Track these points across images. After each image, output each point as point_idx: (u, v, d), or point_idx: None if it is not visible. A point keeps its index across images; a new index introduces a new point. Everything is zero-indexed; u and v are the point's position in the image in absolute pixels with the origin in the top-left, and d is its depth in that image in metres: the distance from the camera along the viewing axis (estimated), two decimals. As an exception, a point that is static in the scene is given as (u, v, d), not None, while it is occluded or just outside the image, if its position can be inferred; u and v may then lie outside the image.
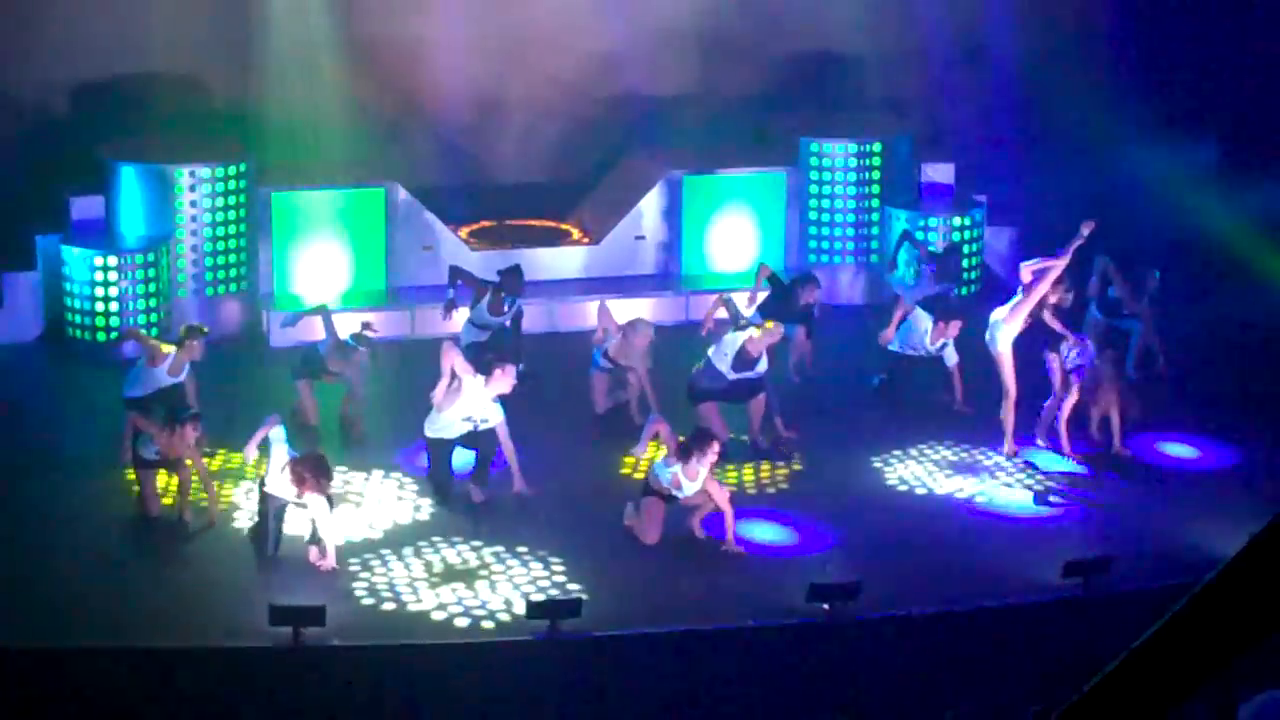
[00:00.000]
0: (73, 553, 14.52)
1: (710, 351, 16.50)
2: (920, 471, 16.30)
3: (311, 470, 14.12)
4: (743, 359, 16.25)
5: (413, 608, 13.75)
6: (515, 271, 18.07)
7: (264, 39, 21.06)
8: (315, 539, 14.21)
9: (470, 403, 15.26)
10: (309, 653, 13.13)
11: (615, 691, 13.04)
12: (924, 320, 17.42)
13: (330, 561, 14.14)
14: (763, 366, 16.35)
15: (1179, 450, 16.99)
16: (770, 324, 16.61)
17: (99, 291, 18.92)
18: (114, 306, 18.86)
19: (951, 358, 17.37)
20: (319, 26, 21.19)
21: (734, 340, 16.33)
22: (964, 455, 16.62)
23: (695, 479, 14.53)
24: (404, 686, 12.99)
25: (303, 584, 13.95)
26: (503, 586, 14.03)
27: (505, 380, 15.35)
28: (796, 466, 16.36)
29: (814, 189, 21.27)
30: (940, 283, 18.90)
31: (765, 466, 16.32)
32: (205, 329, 16.35)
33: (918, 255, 19.16)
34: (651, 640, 13.43)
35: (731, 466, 15.99)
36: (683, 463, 14.52)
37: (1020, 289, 16.62)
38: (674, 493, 14.62)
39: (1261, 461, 16.58)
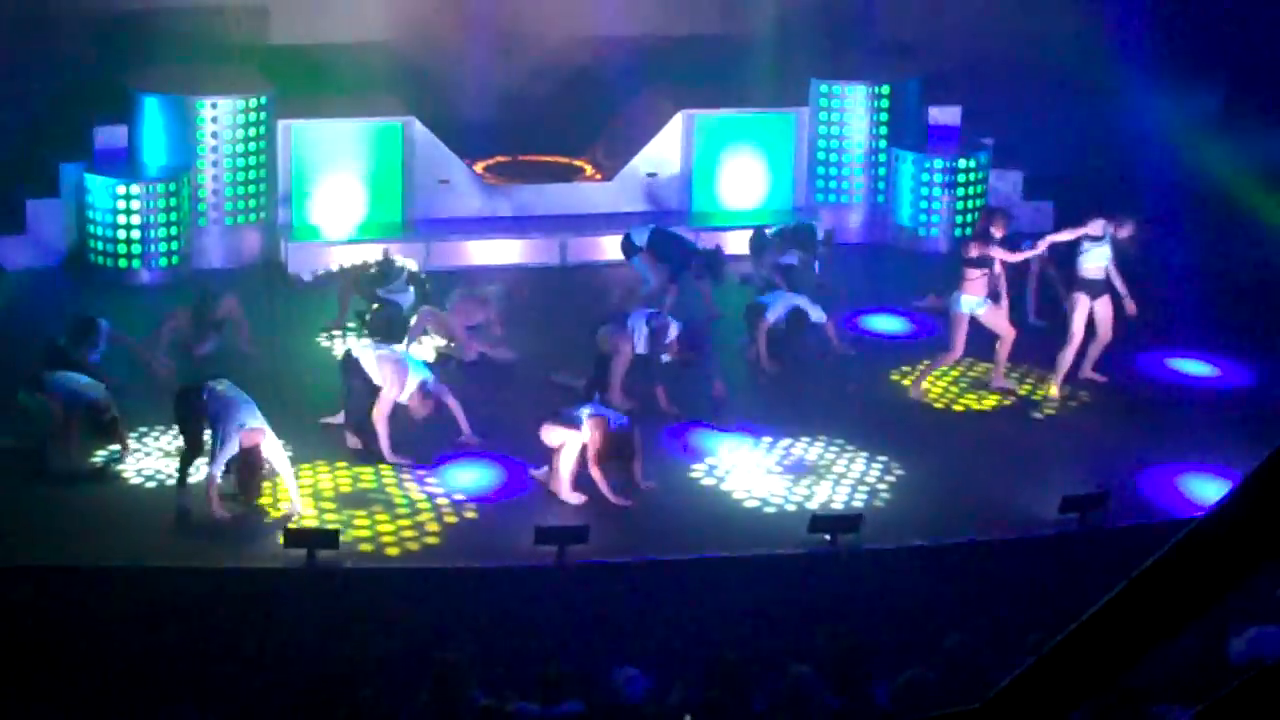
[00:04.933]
0: (94, 476, 14.61)
1: None
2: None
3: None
4: None
5: (423, 533, 13.80)
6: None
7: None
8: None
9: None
10: (322, 574, 13.17)
11: (621, 616, 13.06)
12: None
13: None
14: None
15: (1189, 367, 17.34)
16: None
17: (120, 219, 18.92)
18: (135, 234, 18.86)
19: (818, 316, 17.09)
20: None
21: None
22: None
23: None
24: (415, 608, 13.01)
25: (320, 510, 13.99)
26: (514, 514, 14.07)
27: None
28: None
29: (823, 130, 21.20)
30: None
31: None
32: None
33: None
34: (657, 567, 13.44)
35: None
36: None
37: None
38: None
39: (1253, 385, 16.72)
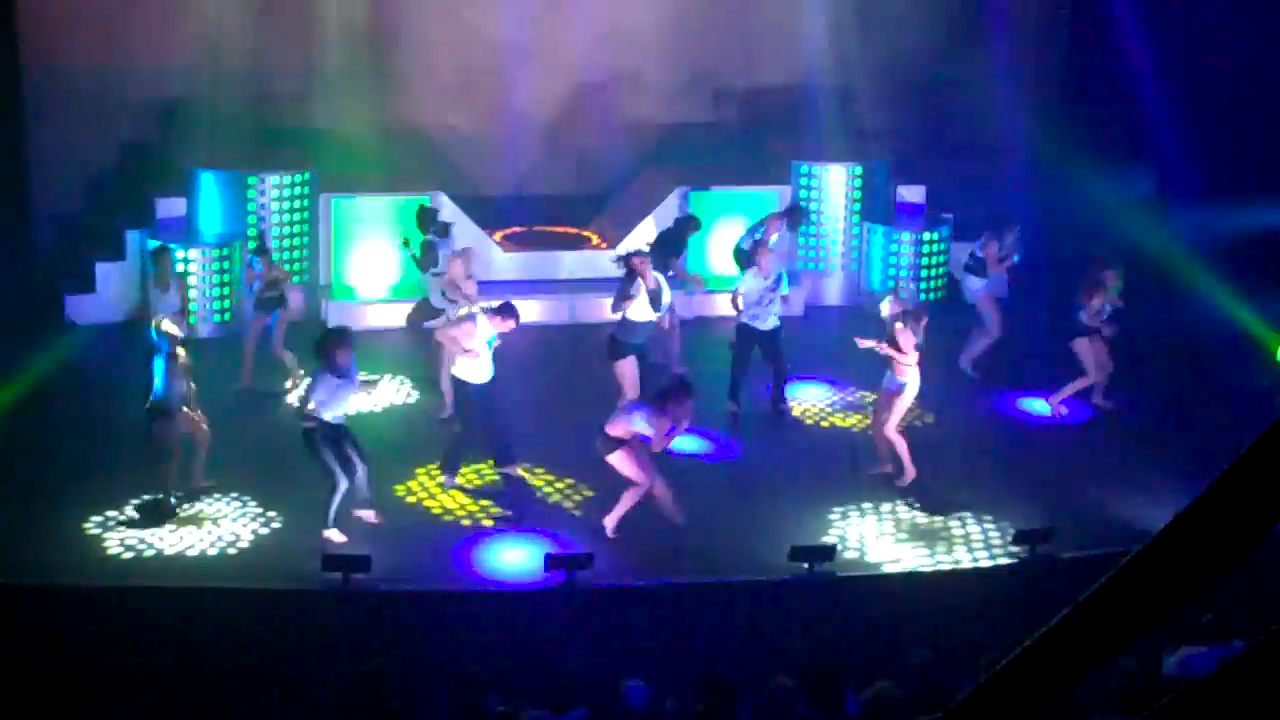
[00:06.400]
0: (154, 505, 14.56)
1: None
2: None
3: None
4: None
5: (447, 557, 13.79)
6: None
7: (328, 67, 21.13)
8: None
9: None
10: (356, 596, 13.14)
11: (621, 633, 13.04)
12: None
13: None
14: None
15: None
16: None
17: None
18: (193, 294, 18.89)
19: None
20: (375, 57, 21.27)
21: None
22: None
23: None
24: (438, 626, 12.99)
25: (352, 536, 13.97)
26: (526, 542, 14.06)
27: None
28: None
29: (803, 205, 21.23)
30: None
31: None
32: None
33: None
34: (653, 591, 13.43)
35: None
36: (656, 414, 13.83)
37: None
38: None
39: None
